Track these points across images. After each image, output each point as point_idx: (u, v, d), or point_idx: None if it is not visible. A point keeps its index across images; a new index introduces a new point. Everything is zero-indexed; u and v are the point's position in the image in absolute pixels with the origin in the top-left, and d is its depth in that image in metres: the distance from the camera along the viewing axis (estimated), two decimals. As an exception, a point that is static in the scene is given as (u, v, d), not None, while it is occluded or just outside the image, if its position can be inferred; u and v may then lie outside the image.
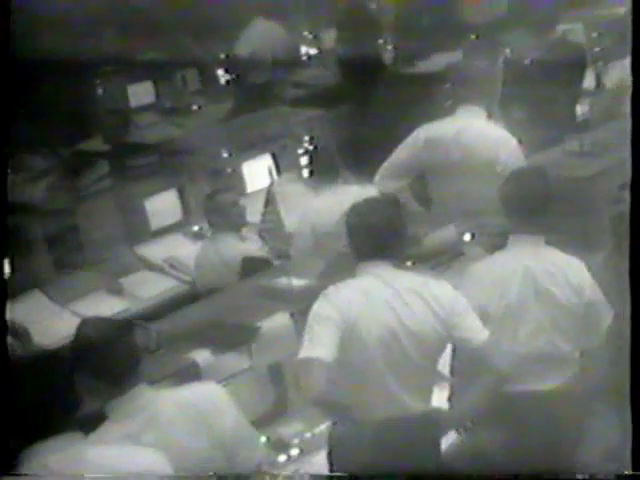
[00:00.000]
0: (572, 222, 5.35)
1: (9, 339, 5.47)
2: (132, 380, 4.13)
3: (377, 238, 4.65)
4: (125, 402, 4.12)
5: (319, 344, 4.47)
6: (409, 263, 5.46)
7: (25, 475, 3.97)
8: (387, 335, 4.57)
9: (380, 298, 4.60)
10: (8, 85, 6.43)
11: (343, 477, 4.59)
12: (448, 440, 4.90)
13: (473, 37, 7.79)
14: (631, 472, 4.49)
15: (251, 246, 6.28)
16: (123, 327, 4.31)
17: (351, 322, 4.53)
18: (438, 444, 4.71)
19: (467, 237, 5.68)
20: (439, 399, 4.89)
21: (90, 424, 4.03)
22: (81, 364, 4.12)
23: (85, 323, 4.25)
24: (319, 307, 4.56)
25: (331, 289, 4.62)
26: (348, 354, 4.51)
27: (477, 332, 4.63)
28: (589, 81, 7.35)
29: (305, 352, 4.46)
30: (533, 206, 5.01)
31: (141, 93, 7.88)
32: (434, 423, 4.70)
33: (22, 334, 5.56)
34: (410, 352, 4.58)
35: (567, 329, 4.97)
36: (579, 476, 4.63)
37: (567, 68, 7.05)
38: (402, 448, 4.57)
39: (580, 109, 7.14)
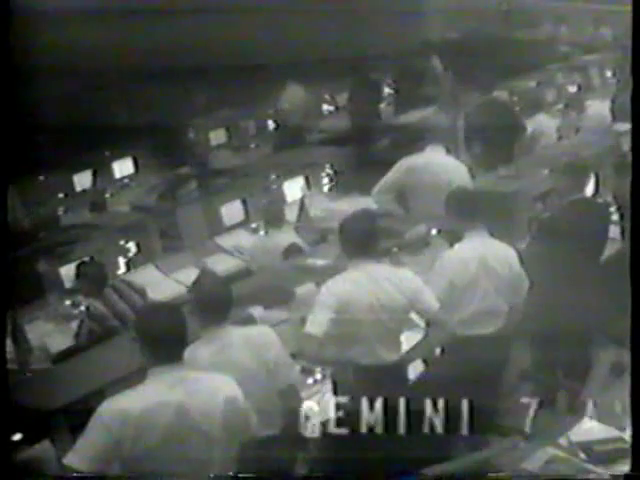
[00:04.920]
0: (503, 221, 5.36)
1: (134, 295, 5.64)
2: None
3: (361, 242, 4.62)
4: (212, 331, 4.17)
5: (316, 323, 4.48)
6: (395, 249, 5.60)
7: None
8: (369, 310, 4.56)
9: (364, 286, 4.56)
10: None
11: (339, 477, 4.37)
12: (416, 370, 4.88)
13: (443, 97, 7.87)
14: (631, 472, 3.94)
15: (290, 237, 6.28)
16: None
17: (344, 303, 4.52)
18: (406, 381, 4.71)
19: (434, 232, 5.71)
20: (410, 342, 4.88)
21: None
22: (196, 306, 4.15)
23: (204, 272, 4.46)
24: (321, 295, 4.56)
25: (330, 281, 4.58)
26: (343, 325, 4.52)
27: (432, 303, 4.65)
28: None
29: (307, 328, 4.50)
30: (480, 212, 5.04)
31: (218, 136, 8.03)
32: (402, 368, 4.69)
33: (141, 292, 5.65)
34: (385, 320, 4.57)
35: (503, 292, 4.95)
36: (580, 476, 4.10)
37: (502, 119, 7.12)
38: (379, 386, 4.55)
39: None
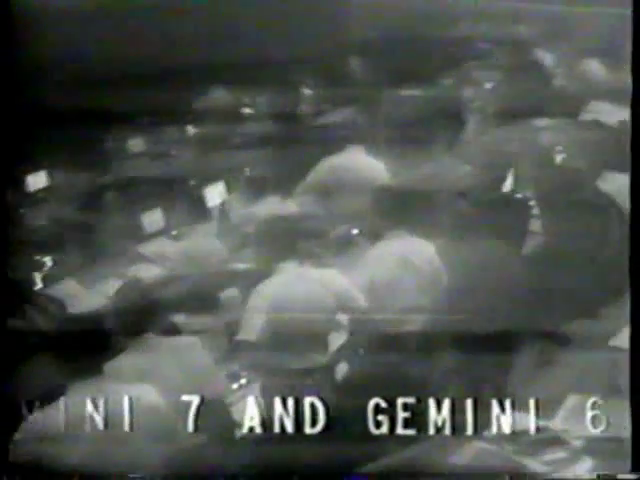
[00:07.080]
0: (424, 220, 5.34)
1: (53, 310, 5.54)
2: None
3: (287, 245, 4.78)
4: (136, 342, 4.23)
5: (249, 329, 4.54)
6: (318, 250, 5.55)
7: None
8: (301, 313, 4.61)
9: (295, 288, 4.66)
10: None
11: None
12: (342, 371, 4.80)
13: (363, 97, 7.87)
14: (631, 472, 3.93)
15: (211, 242, 5.92)
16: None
17: (276, 307, 4.58)
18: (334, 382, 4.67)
19: (355, 232, 5.68)
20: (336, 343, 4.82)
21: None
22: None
23: (127, 282, 4.53)
24: (252, 300, 4.57)
25: (261, 285, 4.58)
26: (276, 329, 4.56)
27: (360, 301, 4.75)
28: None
29: (240, 334, 4.52)
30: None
31: (137, 144, 7.72)
32: (330, 370, 4.68)
33: (60, 306, 5.48)
34: (316, 322, 4.63)
35: (425, 290, 5.01)
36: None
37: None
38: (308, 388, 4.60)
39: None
